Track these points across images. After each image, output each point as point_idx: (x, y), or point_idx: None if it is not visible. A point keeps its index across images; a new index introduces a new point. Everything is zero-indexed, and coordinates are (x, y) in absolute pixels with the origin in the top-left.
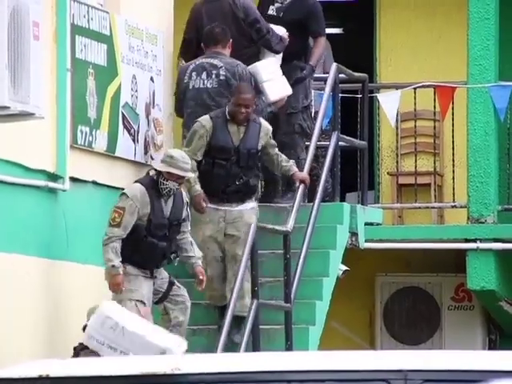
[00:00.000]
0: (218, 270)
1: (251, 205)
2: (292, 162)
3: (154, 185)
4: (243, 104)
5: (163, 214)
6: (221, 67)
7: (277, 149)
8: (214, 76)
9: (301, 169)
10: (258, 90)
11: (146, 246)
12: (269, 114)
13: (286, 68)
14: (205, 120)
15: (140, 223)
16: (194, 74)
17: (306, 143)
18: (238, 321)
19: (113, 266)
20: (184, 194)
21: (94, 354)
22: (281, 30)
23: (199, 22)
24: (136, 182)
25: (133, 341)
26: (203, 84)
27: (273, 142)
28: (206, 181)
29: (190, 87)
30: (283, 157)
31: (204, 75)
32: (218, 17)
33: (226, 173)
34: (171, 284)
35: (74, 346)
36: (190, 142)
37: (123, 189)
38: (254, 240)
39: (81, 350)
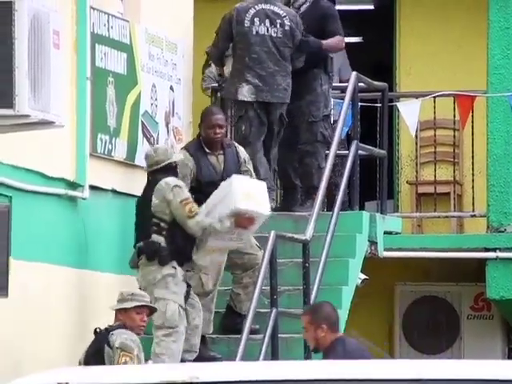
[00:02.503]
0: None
1: None
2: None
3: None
4: (217, 124)
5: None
6: (284, 16)
7: (252, 177)
8: (278, 25)
9: (319, 177)
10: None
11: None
12: None
13: (307, 76)
14: (186, 158)
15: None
16: (256, 19)
17: (326, 152)
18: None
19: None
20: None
21: None
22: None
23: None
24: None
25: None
26: (267, 31)
27: (246, 167)
28: None
29: (254, 32)
30: None
31: (268, 23)
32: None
33: None
34: (189, 286)
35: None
36: None
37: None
38: (272, 248)
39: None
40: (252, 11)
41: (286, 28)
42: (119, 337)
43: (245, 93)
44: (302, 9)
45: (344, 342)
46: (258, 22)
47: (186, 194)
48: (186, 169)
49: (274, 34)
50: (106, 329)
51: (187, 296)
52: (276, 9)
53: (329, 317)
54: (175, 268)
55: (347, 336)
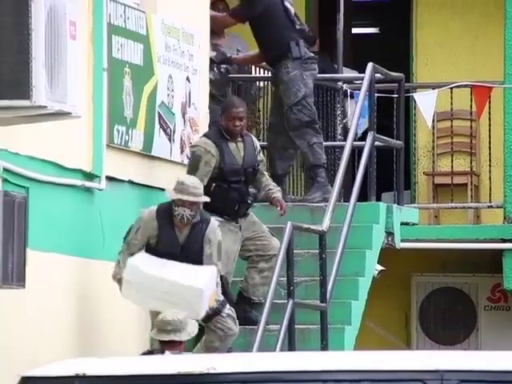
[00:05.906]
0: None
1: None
2: (279, 189)
3: (170, 211)
4: (238, 117)
5: (173, 241)
6: None
7: (264, 166)
8: None
9: (313, 154)
10: None
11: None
12: None
13: (276, 69)
14: (208, 145)
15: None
16: None
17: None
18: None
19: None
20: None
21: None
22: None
23: None
24: (159, 204)
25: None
26: None
27: (260, 157)
28: (219, 203)
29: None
30: (270, 181)
31: None
32: None
33: (240, 194)
34: (223, 305)
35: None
36: (194, 168)
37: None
38: (289, 239)
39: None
40: None
41: None
42: None
43: None
44: None
45: None
46: None
47: (132, 235)
48: (208, 155)
49: None
50: (148, 351)
51: (214, 314)
52: None
53: None
54: None
55: None
